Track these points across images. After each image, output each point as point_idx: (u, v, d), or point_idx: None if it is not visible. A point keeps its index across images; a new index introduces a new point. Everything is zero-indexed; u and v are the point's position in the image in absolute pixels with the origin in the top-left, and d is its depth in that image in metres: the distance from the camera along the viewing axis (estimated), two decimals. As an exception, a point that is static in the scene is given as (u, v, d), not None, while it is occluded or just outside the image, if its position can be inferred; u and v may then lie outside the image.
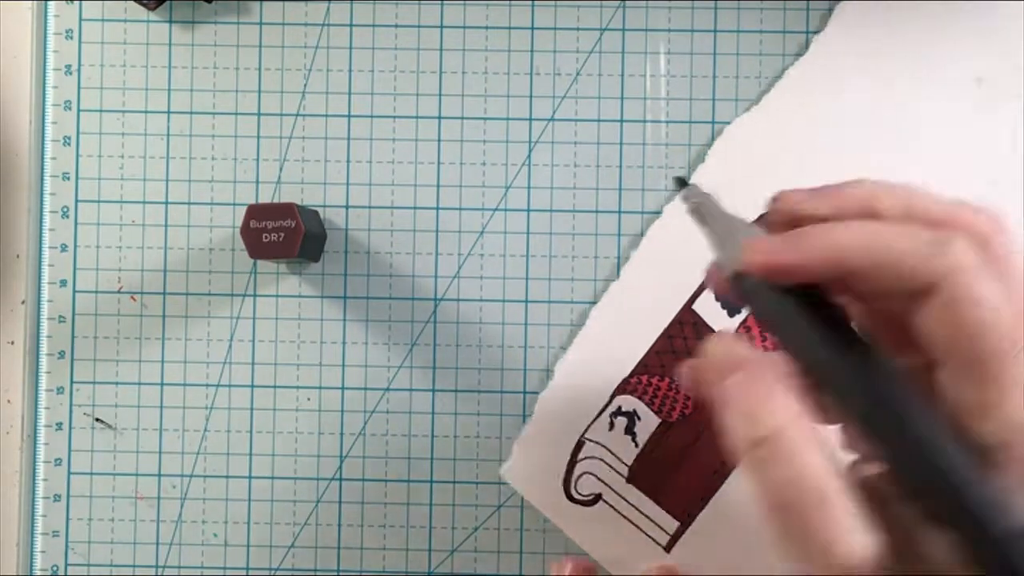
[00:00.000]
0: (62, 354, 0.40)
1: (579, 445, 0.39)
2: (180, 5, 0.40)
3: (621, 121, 0.40)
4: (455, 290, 0.40)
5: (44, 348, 0.40)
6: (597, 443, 0.39)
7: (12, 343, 0.41)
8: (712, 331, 0.39)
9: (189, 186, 0.40)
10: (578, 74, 0.40)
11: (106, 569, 0.40)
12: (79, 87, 0.40)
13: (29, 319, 0.40)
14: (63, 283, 0.40)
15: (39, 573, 0.40)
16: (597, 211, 0.40)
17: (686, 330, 0.39)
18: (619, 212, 0.40)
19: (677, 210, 0.38)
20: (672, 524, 0.39)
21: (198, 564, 0.40)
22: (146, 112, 0.40)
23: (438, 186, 0.40)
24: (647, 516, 0.39)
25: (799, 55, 0.39)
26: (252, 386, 0.40)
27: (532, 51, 0.40)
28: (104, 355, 0.40)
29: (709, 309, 0.39)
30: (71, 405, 0.40)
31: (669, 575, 0.35)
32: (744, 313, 0.39)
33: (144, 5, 0.40)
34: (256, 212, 0.37)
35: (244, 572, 0.40)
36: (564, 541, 0.40)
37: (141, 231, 0.40)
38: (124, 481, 0.40)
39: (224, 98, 0.40)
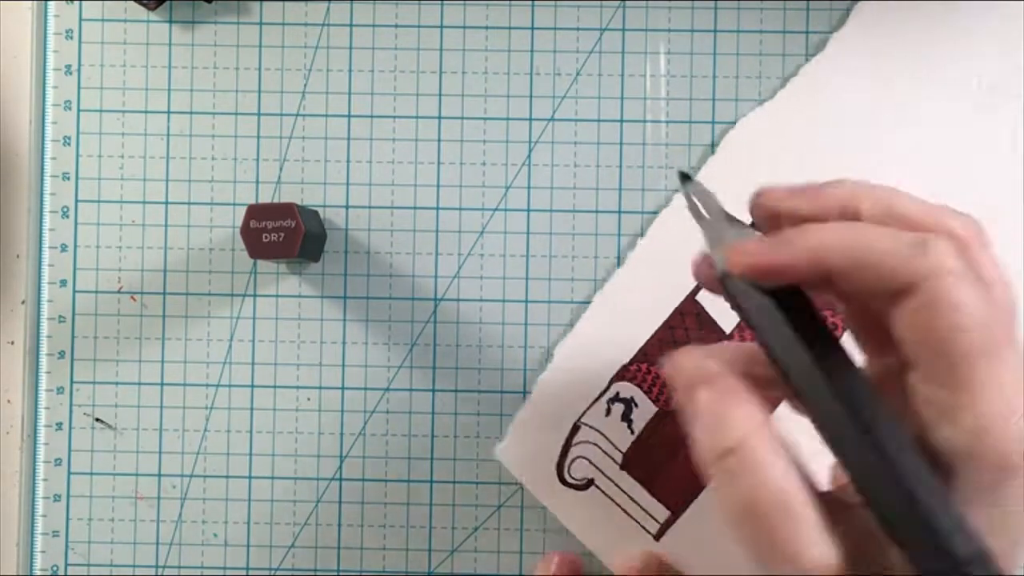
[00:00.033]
0: (62, 354, 0.40)
1: (575, 429, 0.39)
2: (180, 5, 0.40)
3: (621, 121, 0.40)
4: (455, 290, 0.40)
5: (44, 348, 0.40)
6: (593, 428, 0.39)
7: (12, 343, 0.41)
8: (714, 322, 0.39)
9: (189, 186, 0.40)
10: (578, 74, 0.40)
11: (106, 569, 0.40)
12: (79, 87, 0.40)
13: (29, 319, 0.40)
14: (63, 283, 0.40)
15: (39, 573, 0.40)
16: (597, 211, 0.40)
17: (688, 320, 0.39)
18: (619, 212, 0.40)
19: (682, 198, 0.39)
20: (663, 513, 0.39)
21: (198, 564, 0.40)
22: (146, 112, 0.40)
23: (438, 186, 0.40)
24: (638, 504, 0.39)
25: (799, 55, 0.39)
26: (252, 386, 0.40)
27: (532, 51, 0.40)
28: (104, 355, 0.40)
29: (712, 300, 0.39)
30: (71, 405, 0.40)
31: (655, 563, 0.35)
32: None
33: (144, 5, 0.40)
34: (256, 212, 0.37)
35: (244, 572, 0.40)
36: (564, 541, 0.40)
37: (141, 231, 0.40)
38: (124, 481, 0.40)
39: (224, 98, 0.40)
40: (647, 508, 0.39)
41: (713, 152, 0.39)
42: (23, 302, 0.40)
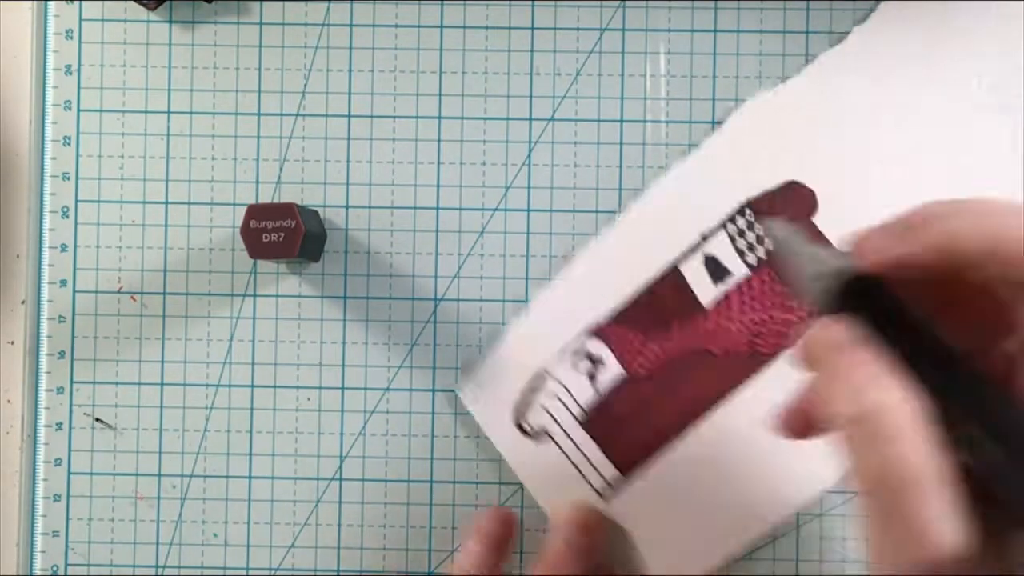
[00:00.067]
0: (62, 354, 0.40)
1: (539, 378, 0.39)
2: (180, 5, 0.40)
3: (621, 121, 0.40)
4: (455, 290, 0.40)
5: (44, 348, 0.40)
6: (557, 380, 0.39)
7: (12, 343, 0.41)
8: (694, 296, 0.39)
9: (189, 186, 0.40)
10: (578, 74, 0.40)
11: (106, 569, 0.40)
12: (79, 87, 0.40)
13: (29, 319, 0.40)
14: (63, 283, 0.40)
15: (39, 573, 0.40)
16: (597, 211, 0.40)
17: (668, 289, 0.39)
18: (619, 212, 0.40)
19: (683, 170, 0.39)
20: (614, 475, 0.39)
21: (198, 564, 0.40)
22: (146, 112, 0.40)
23: (438, 186, 0.40)
24: (591, 462, 0.39)
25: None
26: (252, 386, 0.40)
27: (532, 51, 0.40)
28: (104, 355, 0.40)
29: (695, 274, 0.39)
30: (71, 405, 0.40)
31: (594, 515, 0.37)
32: (726, 284, 0.38)
33: (144, 5, 0.40)
34: (256, 212, 0.37)
35: (244, 572, 0.40)
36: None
37: (141, 231, 0.40)
38: (124, 481, 0.40)
39: (224, 98, 0.40)
40: (599, 467, 0.39)
41: (720, 131, 0.39)
42: (23, 302, 0.40)
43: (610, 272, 0.39)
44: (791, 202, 0.38)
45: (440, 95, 0.40)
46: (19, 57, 0.40)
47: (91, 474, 0.40)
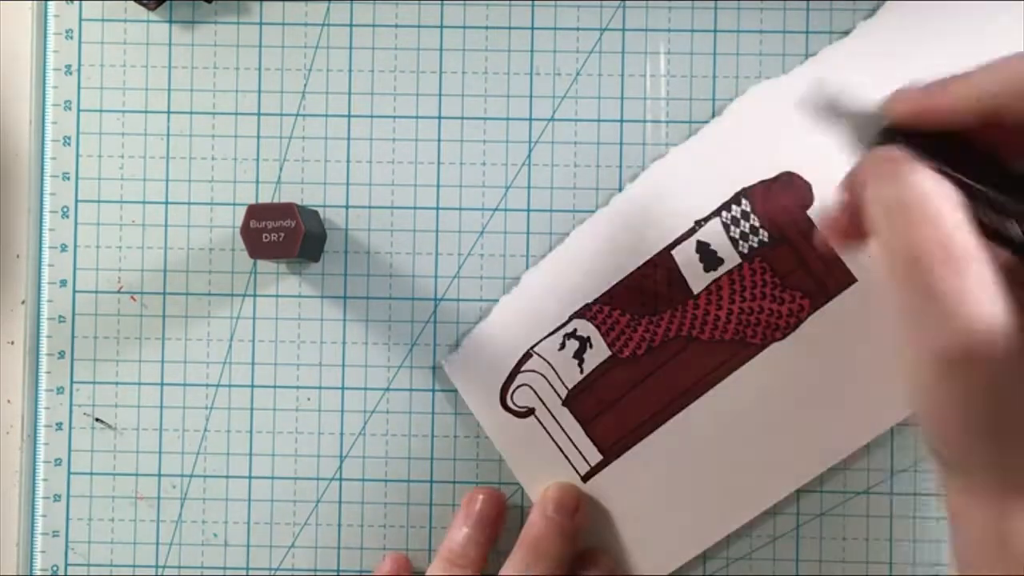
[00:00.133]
0: (62, 354, 0.40)
1: (526, 356, 0.39)
2: (180, 5, 0.40)
3: (621, 121, 0.40)
4: (455, 290, 0.40)
5: (44, 348, 0.40)
6: (544, 359, 0.39)
7: (12, 343, 0.41)
8: (685, 282, 0.39)
9: (189, 186, 0.40)
10: (578, 74, 0.40)
11: (106, 569, 0.40)
12: (79, 87, 0.40)
13: (29, 319, 0.40)
14: (63, 283, 0.40)
15: (39, 573, 0.40)
16: (597, 211, 0.40)
17: (659, 272, 0.39)
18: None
19: (680, 156, 0.39)
20: (596, 456, 0.39)
21: (198, 564, 0.40)
22: (146, 112, 0.40)
23: (438, 186, 0.40)
24: (573, 443, 0.39)
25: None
26: (252, 386, 0.40)
27: (532, 51, 0.40)
28: (104, 355, 0.40)
29: (687, 260, 0.39)
30: (71, 405, 0.40)
31: (576, 493, 0.37)
32: (718, 272, 0.38)
33: (144, 5, 0.40)
34: (256, 212, 0.37)
35: (244, 572, 0.40)
36: (564, 541, 0.40)
37: (141, 231, 0.40)
38: (124, 481, 0.40)
39: (224, 98, 0.40)
40: (581, 448, 0.39)
41: (720, 116, 0.39)
42: (23, 302, 0.40)
43: (601, 253, 0.39)
44: (788, 193, 0.38)
45: (440, 95, 0.40)
46: (19, 57, 0.40)
47: (91, 474, 0.40)
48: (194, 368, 0.40)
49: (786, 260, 0.38)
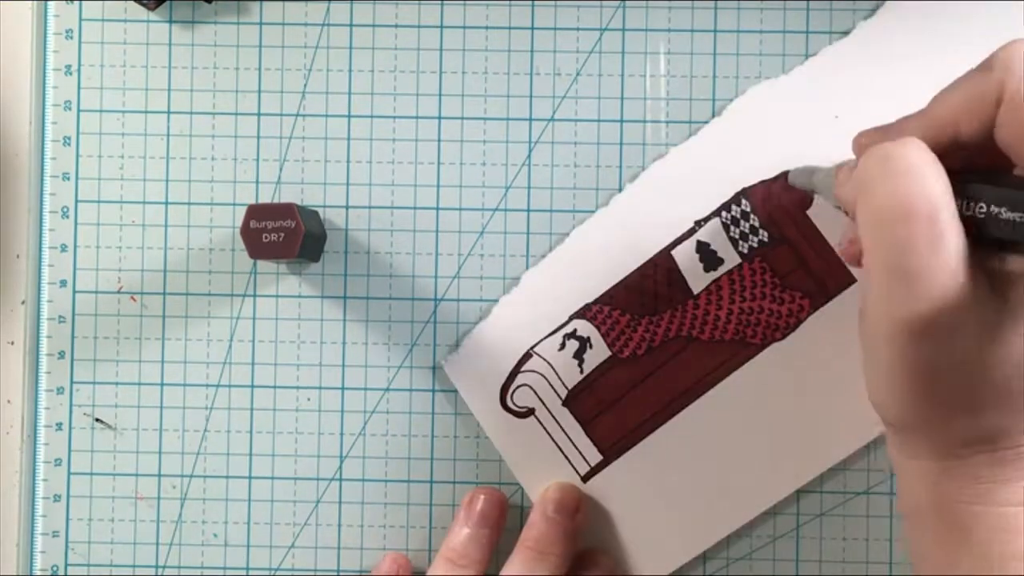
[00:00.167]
0: (62, 354, 0.40)
1: (526, 356, 0.39)
2: (180, 5, 0.40)
3: (621, 121, 0.40)
4: (455, 290, 0.40)
5: (44, 348, 0.40)
6: (544, 359, 0.39)
7: (12, 343, 0.41)
8: (685, 282, 0.39)
9: (189, 186, 0.40)
10: (578, 74, 0.40)
11: (106, 569, 0.40)
12: (79, 87, 0.40)
13: (29, 319, 0.40)
14: (63, 283, 0.40)
15: (39, 573, 0.40)
16: (597, 211, 0.40)
17: (659, 273, 0.39)
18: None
19: (680, 156, 0.39)
20: (596, 457, 0.39)
21: (198, 564, 0.40)
22: (146, 112, 0.40)
23: (438, 186, 0.40)
24: (573, 443, 0.39)
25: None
26: (252, 386, 0.40)
27: (532, 51, 0.40)
28: (104, 355, 0.40)
29: (686, 260, 0.39)
30: (71, 405, 0.40)
31: (576, 494, 0.38)
32: (718, 272, 0.38)
33: (144, 5, 0.40)
34: (256, 212, 0.37)
35: (244, 572, 0.40)
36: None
37: (141, 231, 0.40)
38: (124, 481, 0.40)
39: (224, 98, 0.40)
40: (581, 449, 0.39)
41: (719, 115, 0.39)
42: (23, 302, 0.40)
43: (601, 253, 0.39)
44: (788, 193, 0.38)
45: (440, 95, 0.40)
46: (19, 57, 0.40)
47: (91, 474, 0.40)
48: (194, 368, 0.40)
49: (786, 260, 0.38)
